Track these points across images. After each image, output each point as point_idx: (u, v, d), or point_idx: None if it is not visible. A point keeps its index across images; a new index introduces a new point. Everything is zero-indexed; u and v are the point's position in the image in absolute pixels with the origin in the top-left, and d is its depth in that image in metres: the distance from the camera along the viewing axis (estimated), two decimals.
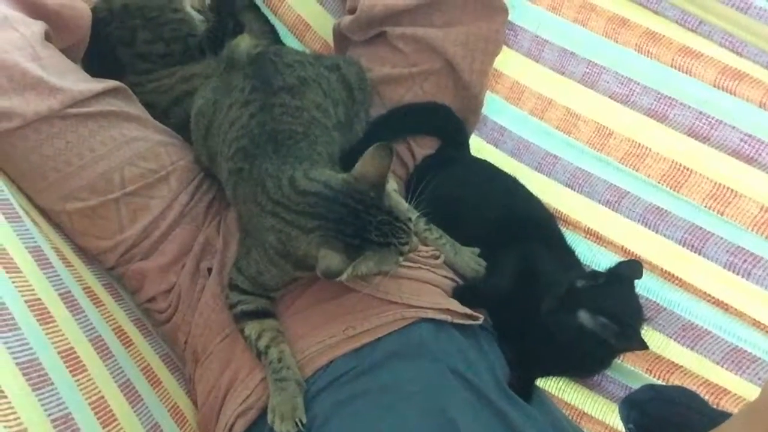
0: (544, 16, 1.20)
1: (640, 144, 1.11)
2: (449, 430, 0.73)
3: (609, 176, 1.14)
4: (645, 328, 0.92)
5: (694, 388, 0.98)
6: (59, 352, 0.76)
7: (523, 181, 1.13)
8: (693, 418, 0.82)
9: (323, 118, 0.98)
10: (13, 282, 0.76)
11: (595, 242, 1.14)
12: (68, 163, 0.96)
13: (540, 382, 1.04)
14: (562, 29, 1.18)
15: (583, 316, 0.88)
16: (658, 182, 1.09)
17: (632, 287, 0.94)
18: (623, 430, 0.92)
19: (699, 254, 1.04)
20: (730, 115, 1.02)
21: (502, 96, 1.26)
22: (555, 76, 1.20)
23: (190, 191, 1.05)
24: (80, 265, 0.96)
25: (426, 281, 0.95)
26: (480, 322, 0.93)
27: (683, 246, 1.05)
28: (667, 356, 1.05)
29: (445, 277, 0.98)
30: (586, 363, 0.97)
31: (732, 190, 1.03)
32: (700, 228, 1.04)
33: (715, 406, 0.96)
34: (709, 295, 1.03)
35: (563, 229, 1.11)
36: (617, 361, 0.99)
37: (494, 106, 1.26)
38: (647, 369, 1.04)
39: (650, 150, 1.10)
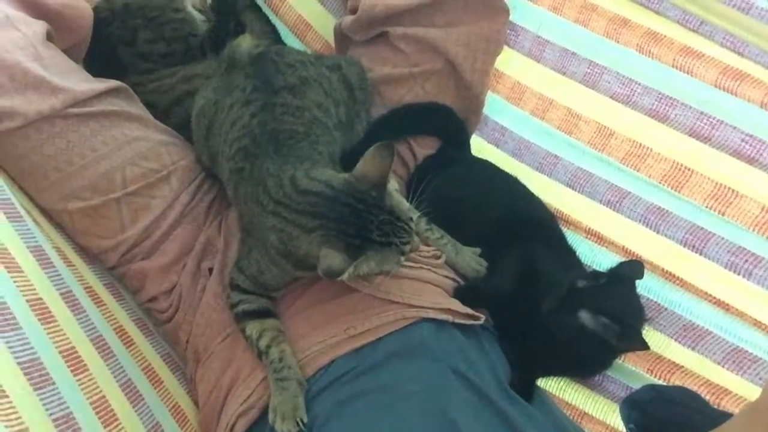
0: (546, 16, 1.20)
1: (641, 144, 1.11)
2: (450, 430, 0.73)
3: (610, 176, 1.14)
4: (646, 328, 0.92)
5: (695, 389, 0.98)
6: (60, 352, 0.77)
7: (524, 181, 1.13)
8: (694, 418, 0.82)
9: (324, 117, 0.98)
10: (15, 281, 0.76)
11: (596, 242, 1.14)
12: (70, 162, 0.96)
13: (541, 382, 1.04)
14: (564, 29, 1.18)
15: (584, 316, 0.88)
16: (659, 182, 1.09)
17: (633, 287, 0.94)
18: (624, 430, 0.92)
19: (700, 254, 1.04)
20: (731, 116, 1.02)
21: (503, 96, 1.26)
22: (556, 77, 1.20)
23: (192, 191, 1.05)
24: (81, 265, 0.96)
25: (427, 281, 0.95)
26: (481, 322, 0.93)
27: (684, 246, 1.05)
28: (668, 356, 1.04)
29: (446, 277, 0.98)
30: (587, 363, 0.96)
31: (733, 191, 1.02)
32: (701, 228, 1.04)
33: (716, 407, 0.96)
34: (710, 296, 1.03)
35: (564, 230, 1.11)
36: (618, 361, 0.99)
37: (495, 106, 1.26)
38: (648, 369, 1.04)
39: (651, 150, 1.10)
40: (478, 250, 1.02)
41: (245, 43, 1.05)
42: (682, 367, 1.03)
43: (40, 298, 0.79)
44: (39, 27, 1.00)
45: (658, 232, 1.07)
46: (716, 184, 1.04)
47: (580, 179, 1.16)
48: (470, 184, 1.11)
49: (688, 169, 1.07)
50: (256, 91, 0.95)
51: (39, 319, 0.76)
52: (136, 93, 1.10)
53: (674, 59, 1.06)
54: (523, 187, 1.12)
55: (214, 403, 0.91)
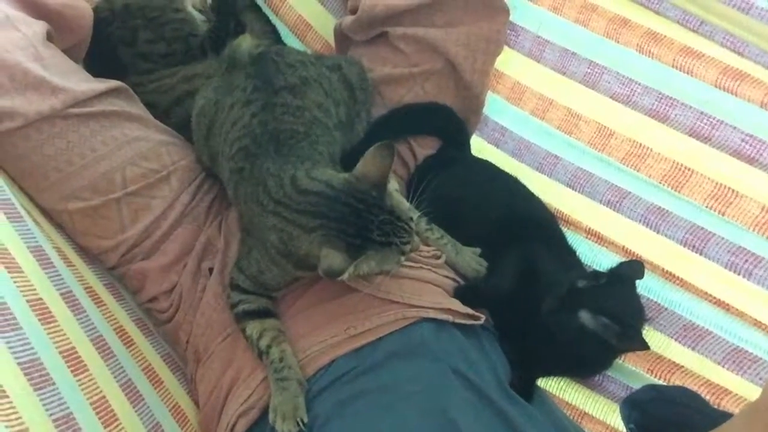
0: (546, 16, 1.20)
1: (641, 144, 1.11)
2: (450, 430, 0.73)
3: (610, 176, 1.14)
4: (646, 328, 0.92)
5: (695, 389, 0.98)
6: (60, 352, 0.76)
7: (524, 181, 1.13)
8: (694, 418, 0.82)
9: (324, 117, 0.98)
10: (15, 282, 0.76)
11: (596, 242, 1.14)
12: (70, 162, 0.96)
13: (541, 382, 1.04)
14: (564, 29, 1.18)
15: (584, 316, 0.88)
16: (660, 182, 1.09)
17: (633, 287, 0.94)
18: (624, 430, 0.92)
19: (700, 254, 1.04)
20: (731, 116, 1.02)
21: (503, 96, 1.26)
22: (556, 77, 1.20)
23: (192, 191, 1.05)
24: (81, 265, 0.96)
25: (427, 281, 0.95)
26: (481, 322, 0.93)
27: (684, 246, 1.05)
28: (668, 356, 1.04)
29: (447, 277, 0.98)
30: (587, 363, 0.96)
31: (733, 191, 1.02)
32: (702, 228, 1.04)
33: (716, 407, 0.96)
34: (711, 296, 1.03)
35: (564, 230, 1.11)
36: (618, 361, 0.99)
37: (495, 107, 1.27)
38: (648, 369, 1.04)
39: (651, 150, 1.10)
40: (478, 250, 1.02)
41: (245, 43, 1.05)
42: (682, 367, 1.03)
43: (41, 299, 0.79)
44: (39, 27, 0.99)
45: (658, 232, 1.07)
46: (716, 184, 1.04)
47: (580, 179, 1.16)
48: (470, 184, 1.11)
49: (688, 169, 1.07)
50: (257, 91, 0.95)
51: (39, 320, 0.76)
52: (137, 93, 1.10)
53: (674, 59, 1.06)
54: (523, 187, 1.12)
55: (214, 403, 0.91)
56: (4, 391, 0.65)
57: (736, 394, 0.98)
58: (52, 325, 0.78)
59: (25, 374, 0.69)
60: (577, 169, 1.16)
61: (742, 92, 1.00)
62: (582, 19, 1.16)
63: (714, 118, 1.04)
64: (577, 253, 1.06)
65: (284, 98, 0.95)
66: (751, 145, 1.01)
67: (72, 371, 0.76)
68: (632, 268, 0.95)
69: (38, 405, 0.68)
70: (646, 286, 1.06)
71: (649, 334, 0.99)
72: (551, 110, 1.20)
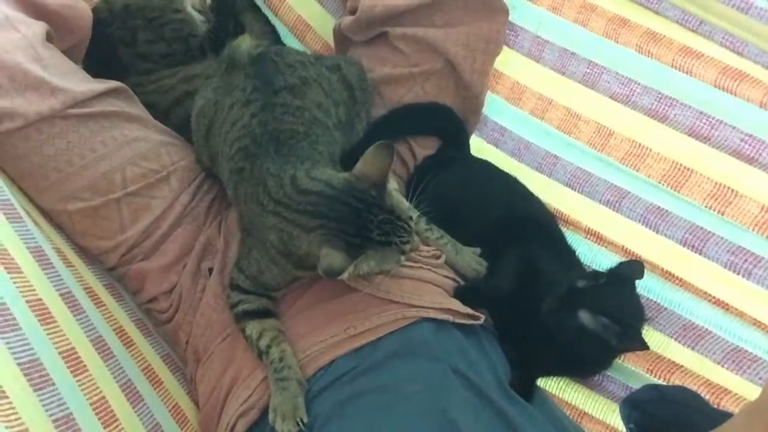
0: (545, 16, 1.21)
1: (640, 144, 1.11)
2: (450, 430, 0.73)
3: (609, 176, 1.14)
4: (646, 328, 0.92)
5: (694, 388, 0.98)
6: (60, 353, 0.76)
7: (523, 181, 1.13)
8: (694, 418, 0.82)
9: (324, 117, 0.98)
10: (15, 282, 0.76)
11: (595, 242, 1.14)
12: (69, 163, 0.96)
13: (541, 382, 1.04)
14: (563, 29, 1.18)
15: (584, 316, 0.88)
16: (659, 182, 1.09)
17: (633, 287, 0.94)
18: (624, 430, 0.92)
19: (700, 254, 1.04)
20: (730, 115, 1.03)
21: (503, 96, 1.26)
22: (555, 77, 1.20)
23: (191, 191, 1.05)
24: (81, 266, 0.96)
25: (427, 281, 0.95)
26: (481, 321, 0.93)
27: (684, 246, 1.05)
28: (667, 356, 1.04)
29: (446, 277, 0.98)
30: (587, 363, 0.96)
31: (732, 190, 1.03)
32: (701, 228, 1.04)
33: (715, 406, 0.96)
34: (710, 295, 1.03)
35: (564, 230, 1.11)
36: (618, 361, 0.99)
37: (495, 107, 1.27)
38: (648, 369, 1.04)
39: (651, 150, 1.10)
40: (478, 250, 1.02)
41: (245, 43, 1.06)
42: (682, 366, 1.03)
43: (40, 299, 0.79)
44: (38, 28, 0.99)
45: (657, 232, 1.07)
46: (716, 183, 1.04)
47: (579, 179, 1.16)
48: (470, 184, 1.11)
49: (688, 169, 1.07)
50: (256, 92, 0.95)
51: (39, 320, 0.76)
52: (136, 94, 1.10)
53: (673, 59, 1.06)
54: (523, 187, 1.12)
55: (214, 404, 0.91)
56: (3, 392, 0.65)
57: (736, 394, 0.98)
58: (51, 325, 0.78)
59: (25, 375, 0.69)
60: (577, 169, 1.17)
61: (741, 92, 1.00)
62: (581, 19, 1.16)
63: (713, 118, 1.04)
64: (577, 253, 1.06)
65: (284, 98, 0.95)
66: (750, 145, 1.01)
67: (72, 372, 0.76)
68: (632, 268, 0.95)
69: (38, 405, 0.68)
70: (646, 286, 1.06)
71: (649, 333, 0.99)
72: (550, 110, 1.21)
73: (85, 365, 0.79)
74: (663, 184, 1.08)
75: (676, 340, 1.04)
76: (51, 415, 0.69)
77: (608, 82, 1.14)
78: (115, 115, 1.01)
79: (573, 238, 1.13)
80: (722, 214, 1.03)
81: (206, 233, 1.03)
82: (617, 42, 1.12)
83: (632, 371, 1.06)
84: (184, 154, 1.06)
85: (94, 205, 0.97)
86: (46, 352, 0.74)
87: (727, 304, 1.01)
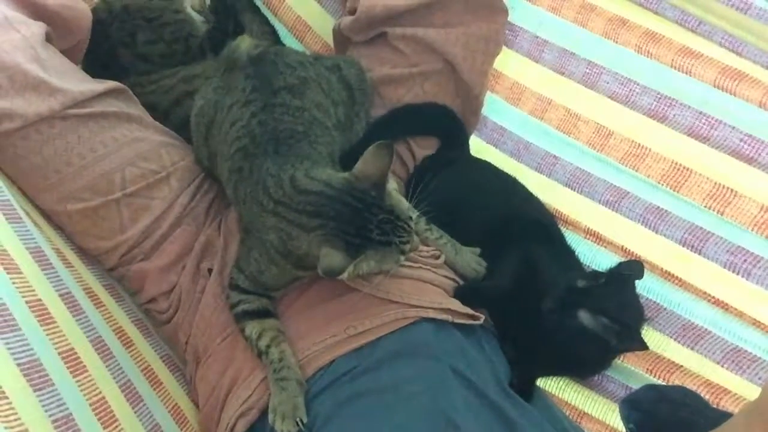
0: (544, 16, 1.21)
1: (640, 144, 1.11)
2: (450, 431, 0.73)
3: (609, 176, 1.14)
4: (645, 328, 0.92)
5: (694, 388, 0.98)
6: (60, 353, 0.76)
7: (523, 181, 1.13)
8: (694, 418, 0.82)
9: (323, 117, 0.98)
10: (14, 283, 0.76)
11: (595, 242, 1.14)
12: (69, 163, 0.96)
13: (540, 382, 1.04)
14: (562, 30, 1.18)
15: (584, 316, 0.88)
16: (658, 182, 1.09)
17: (633, 287, 0.94)
18: (624, 430, 0.92)
19: (699, 254, 1.04)
20: (730, 115, 1.03)
21: (502, 96, 1.27)
22: (555, 77, 1.20)
23: (191, 192, 1.05)
24: (81, 266, 0.96)
25: (427, 281, 0.95)
26: (481, 321, 0.93)
27: (683, 246, 1.05)
28: (667, 356, 1.05)
29: (446, 277, 0.98)
30: (586, 363, 0.96)
31: (732, 190, 1.03)
32: (700, 228, 1.04)
33: (715, 406, 0.96)
34: (709, 295, 1.03)
35: (563, 230, 1.11)
36: (618, 361, 0.99)
37: (494, 107, 1.27)
38: (648, 369, 1.04)
39: (650, 150, 1.10)
40: (477, 250, 1.02)
41: (244, 44, 1.06)
42: (682, 366, 1.03)
43: (40, 300, 0.79)
44: (38, 28, 0.99)
45: (657, 232, 1.08)
46: (715, 183, 1.04)
47: (579, 179, 1.16)
48: (469, 184, 1.11)
49: (687, 169, 1.07)
50: (256, 92, 0.95)
51: (38, 321, 0.76)
52: (136, 94, 1.09)
53: (673, 59, 1.06)
54: (522, 187, 1.12)
55: (214, 404, 0.91)
56: (3, 392, 0.65)
57: (736, 394, 0.98)
58: (51, 326, 0.78)
59: (25, 375, 0.69)
60: (576, 169, 1.17)
61: (740, 92, 1.00)
62: (581, 19, 1.16)
63: (713, 118, 1.04)
64: (576, 253, 1.05)
65: (283, 98, 0.95)
66: (749, 145, 1.01)
67: (71, 372, 0.76)
68: (632, 268, 0.95)
69: (37, 406, 0.68)
70: (645, 286, 1.06)
71: (648, 333, 0.99)
72: (550, 110, 1.21)
73: (84, 366, 0.79)
74: (662, 184, 1.09)
75: (675, 340, 1.05)
76: (51, 416, 0.69)
77: (608, 83, 1.14)
78: (114, 115, 1.01)
79: (572, 238, 1.13)
80: (721, 214, 1.03)
81: (206, 234, 1.03)
82: (617, 42, 1.12)
83: (632, 371, 1.06)
84: (183, 155, 1.06)
85: (94, 206, 0.97)
86: (45, 353, 0.74)
87: (726, 304, 1.01)
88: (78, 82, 0.99)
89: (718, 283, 1.02)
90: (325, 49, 1.35)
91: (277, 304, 0.94)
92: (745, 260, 1.00)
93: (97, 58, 1.19)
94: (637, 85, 1.11)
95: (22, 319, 0.73)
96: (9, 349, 0.69)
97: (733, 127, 1.03)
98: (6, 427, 0.63)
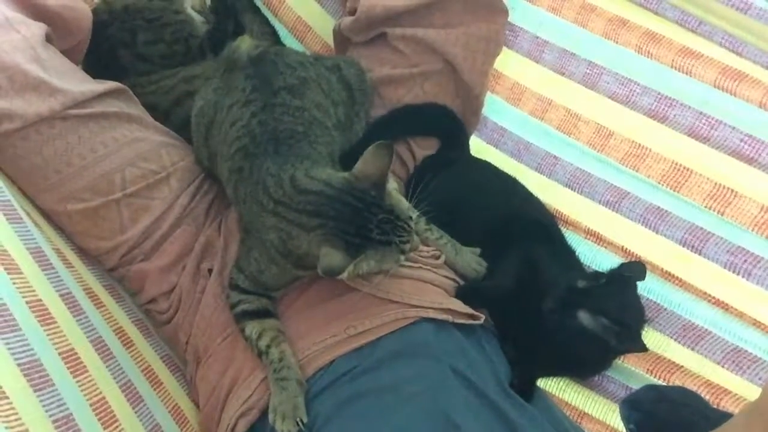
0: (544, 16, 1.21)
1: (640, 144, 1.11)
2: (450, 431, 0.73)
3: (609, 177, 1.14)
4: (646, 328, 0.92)
5: (694, 389, 0.98)
6: (60, 353, 0.76)
7: (523, 181, 1.13)
8: (694, 418, 0.81)
9: (323, 117, 0.98)
10: (14, 283, 0.76)
11: (595, 243, 1.14)
12: (69, 164, 0.96)
13: (541, 382, 1.04)
14: (562, 30, 1.19)
15: (584, 317, 0.88)
16: (659, 182, 1.09)
17: (634, 289, 0.94)
18: (624, 430, 0.92)
19: (699, 254, 1.04)
20: (730, 116, 1.03)
21: (503, 97, 1.27)
22: (555, 77, 1.20)
23: (191, 192, 1.05)
24: (81, 267, 0.96)
25: (427, 281, 0.95)
26: (481, 321, 0.93)
27: (683, 246, 1.05)
28: (667, 356, 1.05)
29: (446, 277, 0.98)
30: (586, 363, 0.96)
31: (732, 191, 1.03)
32: (701, 228, 1.04)
33: (715, 407, 0.96)
34: (710, 296, 1.03)
35: (563, 230, 1.11)
36: (618, 361, 0.99)
37: (494, 107, 1.27)
38: (648, 369, 1.04)
39: (650, 150, 1.10)
40: (477, 250, 1.02)
41: (245, 44, 1.06)
42: (682, 367, 1.03)
43: (40, 300, 0.79)
44: (38, 28, 0.99)
45: (657, 232, 1.08)
46: (715, 184, 1.04)
47: (579, 179, 1.16)
48: (469, 184, 1.11)
49: (687, 169, 1.07)
50: (256, 92, 0.95)
51: (39, 321, 0.76)
52: (136, 94, 1.09)
53: (673, 59, 1.06)
54: (523, 187, 1.12)
55: (214, 404, 0.91)
56: (3, 392, 0.65)
57: (736, 394, 0.98)
58: (51, 326, 0.78)
59: (25, 375, 0.69)
60: (576, 170, 1.17)
61: (741, 92, 1.00)
62: (581, 19, 1.16)
63: (713, 118, 1.04)
64: (577, 254, 1.06)
65: (283, 98, 0.95)
66: (750, 145, 1.01)
67: (71, 372, 0.76)
68: (634, 269, 0.95)
69: (38, 406, 0.68)
70: (646, 287, 1.06)
71: (649, 334, 0.99)
72: (550, 110, 1.21)
73: (85, 366, 0.79)
74: (663, 185, 1.09)
75: (676, 340, 1.05)
76: (51, 416, 0.69)
77: (608, 83, 1.14)
78: (115, 115, 1.01)
79: (573, 239, 1.13)
80: (722, 215, 1.03)
81: (206, 234, 1.03)
82: (617, 42, 1.12)
83: (632, 372, 1.06)
84: (183, 155, 1.06)
85: (94, 206, 0.97)
86: (46, 353, 0.74)
87: (726, 305, 1.01)
88: (78, 83, 0.99)
89: (719, 283, 1.02)
90: (326, 49, 1.35)
91: (277, 304, 0.94)
92: (745, 260, 1.00)
93: (98, 59, 1.19)
94: (638, 85, 1.11)
95: (22, 319, 0.73)
96: (9, 349, 0.69)
97: (734, 128, 1.03)
98: (6, 427, 0.63)
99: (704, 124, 1.05)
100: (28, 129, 0.93)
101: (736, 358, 1.00)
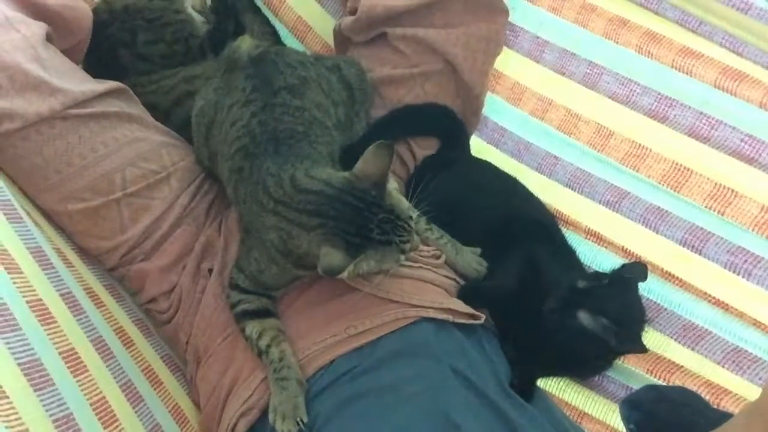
0: (545, 16, 1.21)
1: (640, 144, 1.11)
2: (450, 431, 0.73)
3: (609, 177, 1.14)
4: (646, 328, 0.92)
5: (695, 389, 0.98)
6: (60, 353, 0.76)
7: (523, 181, 1.13)
8: (694, 418, 0.81)
9: (323, 117, 0.98)
10: (15, 283, 0.76)
11: (595, 243, 1.14)
12: (69, 163, 0.96)
13: (541, 382, 1.04)
14: (563, 30, 1.19)
15: (584, 317, 0.88)
16: (659, 183, 1.09)
17: (635, 289, 0.94)
18: (624, 430, 0.92)
19: (699, 254, 1.04)
20: (730, 116, 1.03)
21: (503, 97, 1.27)
22: (555, 77, 1.20)
23: (191, 192, 1.05)
24: (81, 266, 0.96)
25: (427, 281, 0.95)
26: (481, 321, 0.93)
27: (684, 246, 1.05)
28: (667, 356, 1.05)
29: (446, 276, 0.98)
30: (586, 364, 0.96)
31: (732, 191, 1.03)
32: (701, 228, 1.04)
33: (715, 407, 0.96)
34: (710, 296, 1.03)
35: (564, 230, 1.11)
36: (618, 361, 0.99)
37: (495, 107, 1.27)
38: (648, 369, 1.04)
39: (651, 150, 1.10)
40: (478, 250, 1.02)
41: (245, 44, 1.06)
42: (682, 367, 1.03)
43: (40, 300, 0.79)
44: (38, 28, 0.99)
45: (657, 233, 1.08)
46: (715, 184, 1.04)
47: (579, 179, 1.16)
48: (470, 184, 1.11)
49: (688, 170, 1.07)
50: (256, 92, 0.95)
51: (39, 320, 0.76)
52: (136, 94, 1.09)
53: (673, 59, 1.06)
54: (523, 187, 1.12)
55: (215, 404, 0.91)
56: (4, 392, 0.65)
57: (736, 394, 0.98)
58: (51, 326, 0.78)
59: (25, 375, 0.69)
60: (577, 170, 1.17)
61: (741, 92, 1.00)
62: (581, 19, 1.16)
63: (713, 119, 1.04)
64: (577, 254, 1.06)
65: (283, 98, 0.95)
66: (750, 145, 1.01)
67: (72, 372, 0.76)
68: (635, 270, 0.95)
69: (38, 405, 0.68)
70: (646, 287, 1.05)
71: (649, 334, 0.99)
72: (550, 110, 1.21)
73: (85, 365, 0.79)
74: (663, 185, 1.09)
75: (676, 340, 1.05)
76: (51, 415, 0.69)
77: (608, 83, 1.14)
78: (115, 115, 1.01)
79: (573, 239, 1.13)
80: (722, 215, 1.03)
81: (206, 234, 1.03)
82: (617, 42, 1.12)
83: (632, 372, 1.06)
84: (184, 155, 1.06)
85: (95, 206, 0.97)
86: (46, 353, 0.74)
87: (726, 305, 1.01)
88: (79, 82, 0.99)
89: (719, 283, 1.02)
90: (326, 49, 1.35)
91: (277, 303, 0.94)
92: (745, 260, 1.00)
93: (98, 58, 1.19)
94: (638, 85, 1.11)
95: (22, 318, 0.73)
96: (9, 348, 0.69)
97: (734, 128, 1.03)
98: (6, 427, 0.63)
99: (704, 124, 1.05)
100: (29, 129, 0.93)
101: (736, 358, 1.00)
